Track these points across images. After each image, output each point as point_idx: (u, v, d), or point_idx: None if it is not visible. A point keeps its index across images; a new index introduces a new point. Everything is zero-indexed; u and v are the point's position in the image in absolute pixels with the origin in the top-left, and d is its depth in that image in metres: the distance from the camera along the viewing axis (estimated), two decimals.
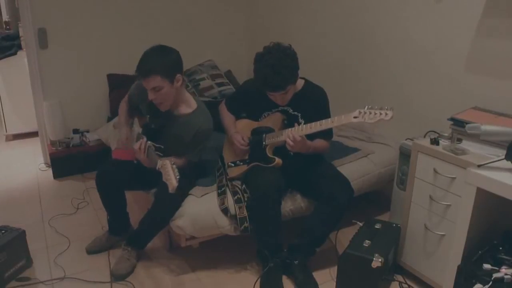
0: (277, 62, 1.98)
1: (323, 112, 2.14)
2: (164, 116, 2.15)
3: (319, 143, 2.21)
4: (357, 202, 2.34)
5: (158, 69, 1.97)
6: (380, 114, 1.84)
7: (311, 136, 2.17)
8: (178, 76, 2.05)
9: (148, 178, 2.19)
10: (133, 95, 2.28)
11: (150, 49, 2.05)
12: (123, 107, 2.34)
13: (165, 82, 2.00)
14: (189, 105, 2.16)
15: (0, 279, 2.07)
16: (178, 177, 1.77)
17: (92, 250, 2.37)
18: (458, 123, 1.96)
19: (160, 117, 2.16)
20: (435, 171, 1.91)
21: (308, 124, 2.05)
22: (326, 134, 2.19)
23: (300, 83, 2.23)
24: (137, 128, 2.23)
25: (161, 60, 2.00)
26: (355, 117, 1.89)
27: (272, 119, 2.22)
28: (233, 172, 2.29)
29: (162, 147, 2.14)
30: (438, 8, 2.38)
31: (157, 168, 1.90)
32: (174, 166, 1.82)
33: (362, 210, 2.54)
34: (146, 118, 2.24)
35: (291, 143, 2.03)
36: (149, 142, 2.03)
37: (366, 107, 1.88)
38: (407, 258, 2.13)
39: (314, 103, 2.19)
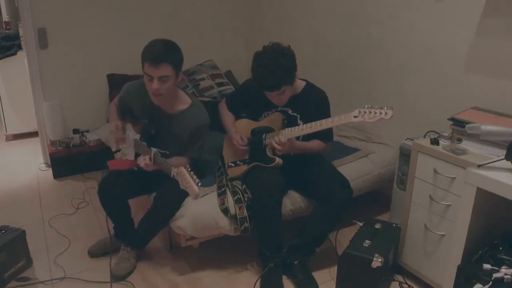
0: (273, 62, 1.98)
1: (323, 115, 2.09)
2: (161, 118, 2.12)
3: (312, 143, 2.21)
4: (357, 202, 2.34)
5: (171, 59, 1.96)
6: (380, 113, 1.84)
7: (309, 137, 2.17)
8: (181, 72, 2.05)
9: (150, 182, 2.17)
10: (124, 97, 2.24)
11: (159, 40, 2.01)
12: (113, 108, 2.31)
13: (173, 73, 1.98)
14: (183, 101, 2.14)
15: (0, 279, 2.07)
16: (199, 183, 1.72)
17: (95, 253, 2.34)
18: (458, 123, 1.96)
19: (157, 120, 2.13)
20: (435, 171, 1.91)
21: (308, 124, 2.05)
22: (325, 135, 2.19)
23: (301, 85, 2.23)
24: (132, 134, 2.17)
25: (173, 52, 1.99)
26: (355, 117, 1.89)
27: (271, 119, 2.22)
28: (233, 172, 2.29)
29: (168, 152, 2.05)
30: (438, 8, 2.38)
31: (172, 176, 1.82)
32: (192, 172, 1.75)
33: (362, 210, 2.54)
34: (142, 123, 2.18)
35: (278, 147, 2.05)
36: (154, 149, 1.96)
37: (366, 106, 1.88)
38: (407, 258, 2.13)
39: (314, 105, 2.19)
